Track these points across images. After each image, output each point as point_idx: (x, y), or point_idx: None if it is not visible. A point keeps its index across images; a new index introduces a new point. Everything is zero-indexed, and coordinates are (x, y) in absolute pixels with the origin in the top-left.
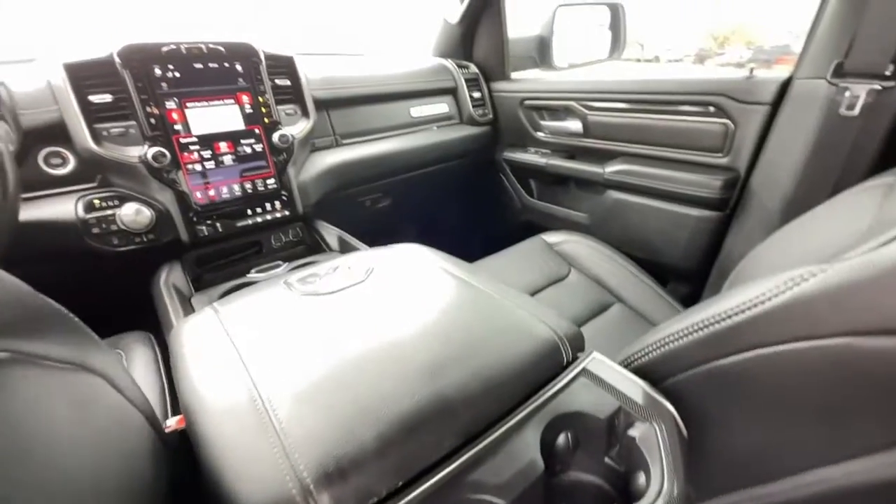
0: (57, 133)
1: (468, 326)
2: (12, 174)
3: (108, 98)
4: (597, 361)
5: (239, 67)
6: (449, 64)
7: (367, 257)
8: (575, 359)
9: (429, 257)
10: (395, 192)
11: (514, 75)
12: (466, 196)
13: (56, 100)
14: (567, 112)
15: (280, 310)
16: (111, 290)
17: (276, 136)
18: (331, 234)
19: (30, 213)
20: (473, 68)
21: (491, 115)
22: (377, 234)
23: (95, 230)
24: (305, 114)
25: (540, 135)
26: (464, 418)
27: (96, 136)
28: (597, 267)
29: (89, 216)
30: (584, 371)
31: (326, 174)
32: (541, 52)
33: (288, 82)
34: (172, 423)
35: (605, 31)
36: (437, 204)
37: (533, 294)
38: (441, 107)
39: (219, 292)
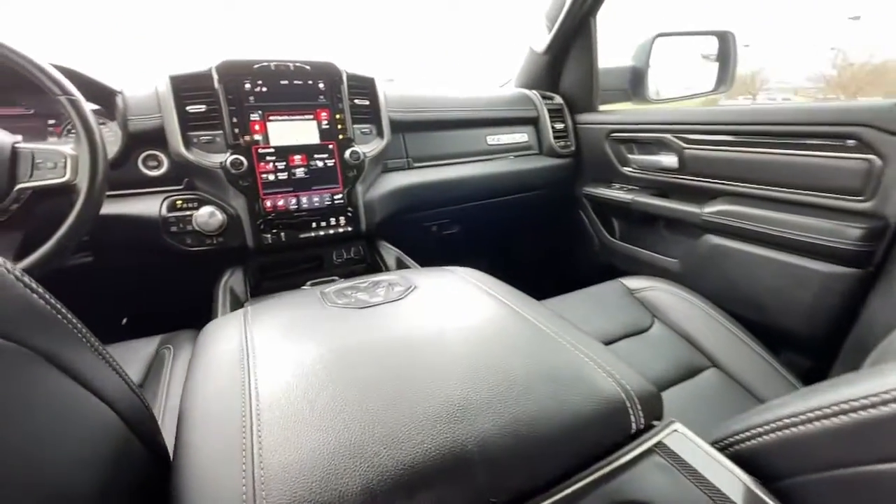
0: (156, 138)
1: (509, 365)
2: (102, 164)
3: (202, 108)
4: (679, 436)
5: (321, 85)
6: (532, 94)
7: (412, 275)
8: (649, 428)
9: (481, 282)
10: (465, 220)
11: (601, 107)
12: (540, 230)
13: (160, 107)
14: (660, 145)
15: (307, 320)
16: (176, 288)
17: (347, 153)
18: (390, 254)
19: (121, 207)
20: (558, 99)
21: (573, 148)
22: (441, 261)
23: (173, 228)
24: (380, 134)
25: (627, 170)
26: (481, 482)
27: (187, 143)
28: (687, 321)
29: (170, 215)
30: (660, 446)
31: (394, 194)
32: (634, 84)
33: (367, 102)
34: None
35: (711, 62)
36: (508, 236)
37: (605, 344)
38: (520, 136)
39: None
